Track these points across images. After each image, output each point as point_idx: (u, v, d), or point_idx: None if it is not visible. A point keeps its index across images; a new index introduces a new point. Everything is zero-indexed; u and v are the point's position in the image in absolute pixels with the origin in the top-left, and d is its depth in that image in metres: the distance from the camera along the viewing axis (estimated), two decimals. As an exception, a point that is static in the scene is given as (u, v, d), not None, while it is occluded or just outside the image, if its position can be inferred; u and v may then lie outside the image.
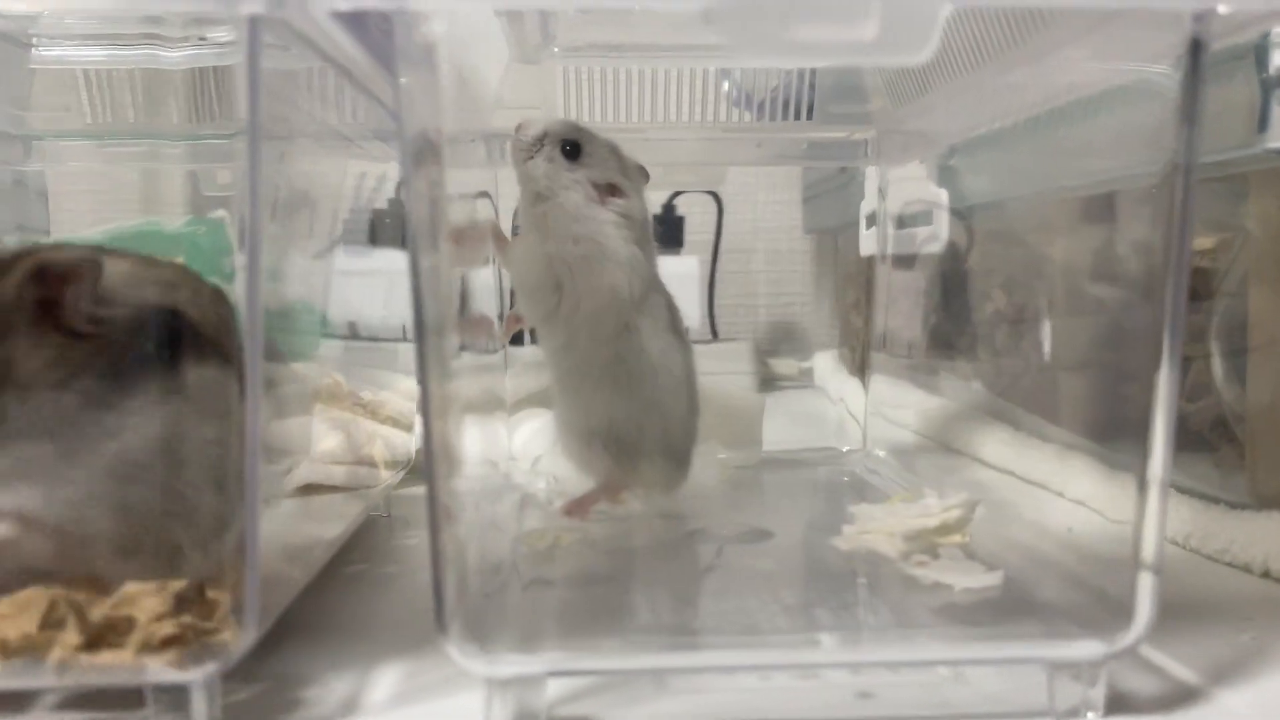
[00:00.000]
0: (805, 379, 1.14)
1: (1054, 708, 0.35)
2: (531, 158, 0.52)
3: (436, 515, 0.33)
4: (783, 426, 0.77)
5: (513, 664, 0.33)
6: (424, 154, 0.34)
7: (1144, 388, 0.35)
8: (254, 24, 0.31)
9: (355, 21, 0.31)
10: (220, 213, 0.93)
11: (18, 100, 0.65)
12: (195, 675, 0.33)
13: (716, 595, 0.42)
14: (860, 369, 0.77)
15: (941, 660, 0.37)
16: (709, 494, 0.61)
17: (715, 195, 1.21)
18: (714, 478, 0.65)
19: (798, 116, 0.69)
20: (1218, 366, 0.63)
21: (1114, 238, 0.50)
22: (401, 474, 0.71)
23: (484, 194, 0.57)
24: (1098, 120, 0.46)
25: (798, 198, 1.31)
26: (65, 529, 0.35)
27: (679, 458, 0.55)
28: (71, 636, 0.33)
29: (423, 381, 0.33)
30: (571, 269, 0.52)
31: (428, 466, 0.33)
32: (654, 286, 0.56)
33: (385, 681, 0.39)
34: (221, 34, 0.56)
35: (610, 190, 0.53)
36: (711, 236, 1.23)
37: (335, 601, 0.48)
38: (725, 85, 0.69)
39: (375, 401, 0.67)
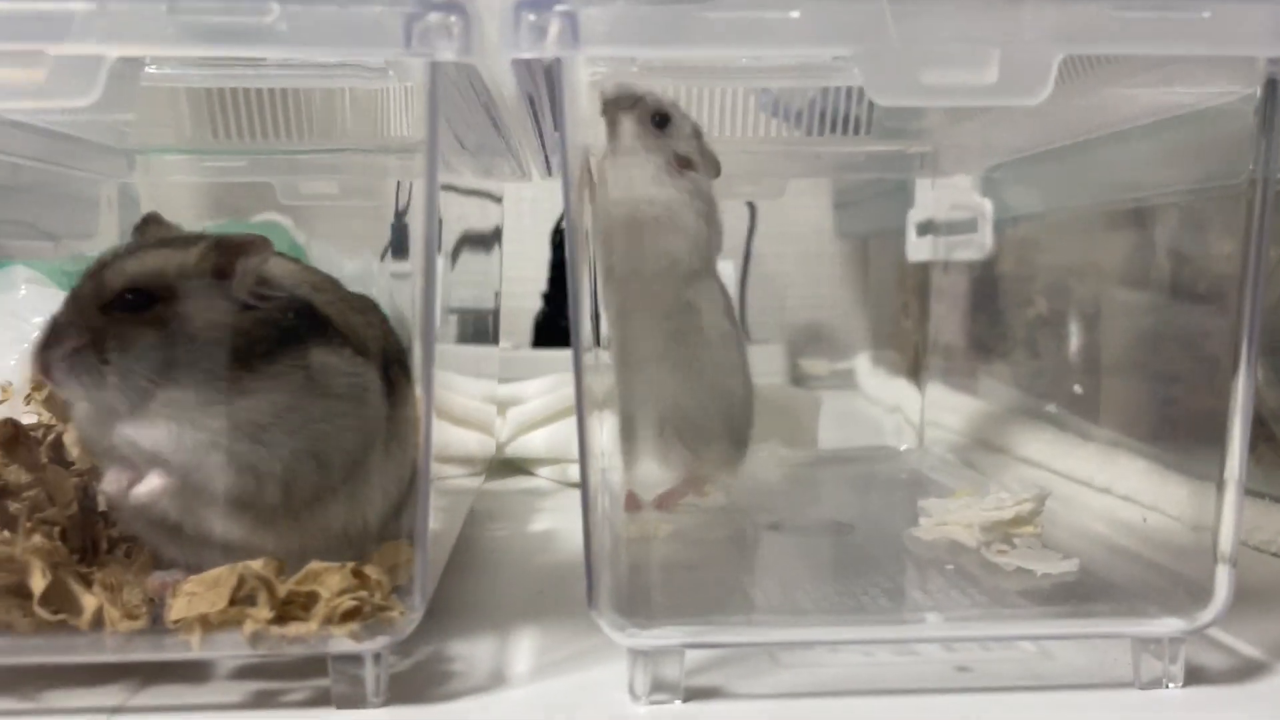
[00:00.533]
0: (835, 379, 1.18)
1: (1138, 679, 0.39)
2: (622, 118, 0.55)
3: (588, 499, 0.37)
4: (823, 425, 0.80)
5: (656, 636, 0.37)
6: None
7: (1219, 392, 0.39)
8: (436, 68, 0.35)
9: (525, 65, 0.35)
10: (278, 218, 0.97)
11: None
12: (371, 647, 0.37)
13: (819, 580, 0.46)
14: (914, 371, 0.81)
15: (1038, 635, 0.41)
16: (776, 489, 0.65)
17: (750, 203, 1.24)
18: (777, 474, 0.69)
19: (856, 131, 0.73)
20: (1258, 370, 0.67)
21: (1174, 248, 0.54)
22: (483, 474, 0.75)
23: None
24: (1165, 136, 0.50)
25: (828, 204, 1.35)
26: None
27: (741, 439, 0.59)
28: (263, 611, 0.37)
29: (578, 379, 0.37)
30: (641, 229, 0.55)
31: (582, 456, 0.37)
32: (713, 271, 0.59)
33: (524, 655, 0.43)
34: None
35: (686, 164, 0.57)
36: (743, 242, 1.27)
37: (460, 586, 0.51)
38: (759, 97, 0.73)
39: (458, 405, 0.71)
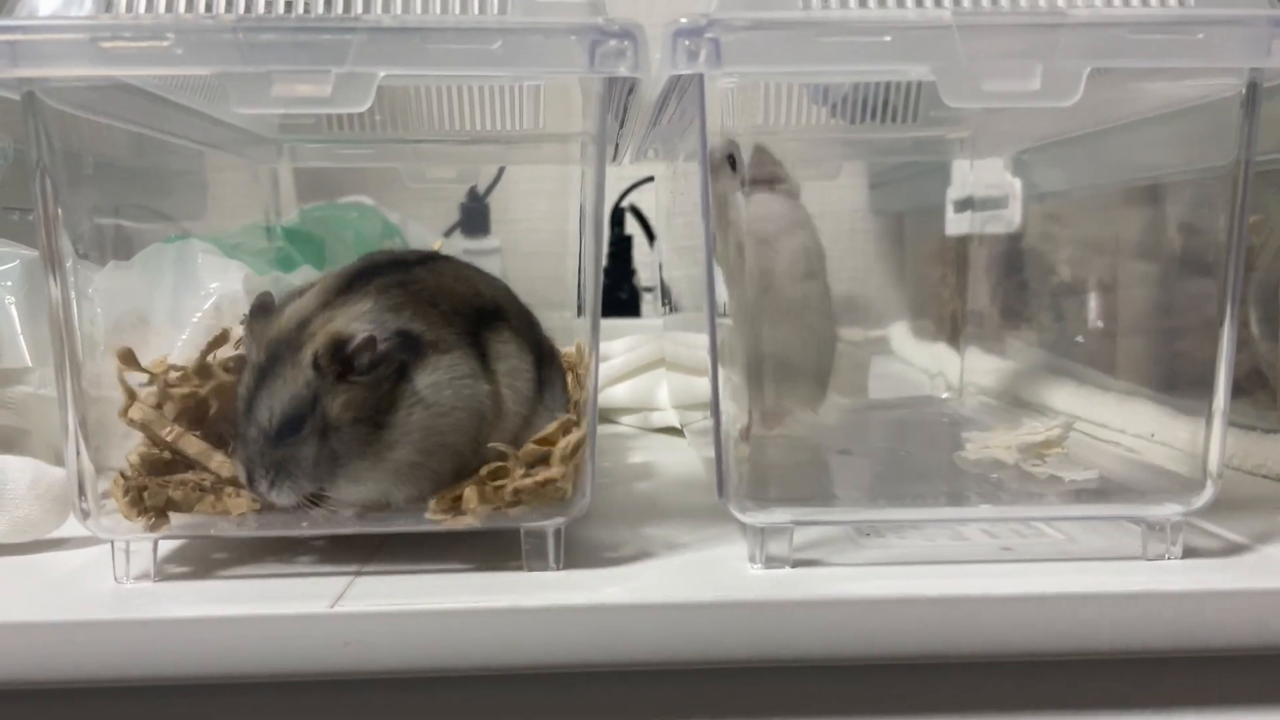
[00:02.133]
0: (870, 346, 1.29)
1: (1145, 553, 0.50)
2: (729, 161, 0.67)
3: (719, 419, 0.49)
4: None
5: (773, 516, 0.48)
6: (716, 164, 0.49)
7: (1209, 342, 0.50)
8: (610, 83, 0.46)
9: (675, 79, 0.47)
10: (364, 198, 1.08)
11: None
12: (554, 523, 0.49)
13: (890, 482, 0.57)
14: (953, 335, 0.92)
15: (1069, 517, 0.52)
16: (837, 428, 0.76)
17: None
18: (835, 417, 0.80)
19: (903, 119, 0.84)
20: (1254, 326, 0.77)
21: (1179, 220, 0.64)
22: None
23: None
24: (1169, 126, 0.60)
25: (864, 185, 1.45)
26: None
27: (824, 382, 0.71)
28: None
29: (711, 337, 0.49)
30: (768, 240, 0.67)
31: (714, 389, 0.49)
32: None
33: (656, 540, 0.54)
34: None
35: (773, 180, 0.68)
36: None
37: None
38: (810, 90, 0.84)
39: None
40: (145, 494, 0.48)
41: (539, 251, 1.16)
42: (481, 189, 1.24)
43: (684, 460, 0.75)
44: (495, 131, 0.78)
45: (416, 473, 0.49)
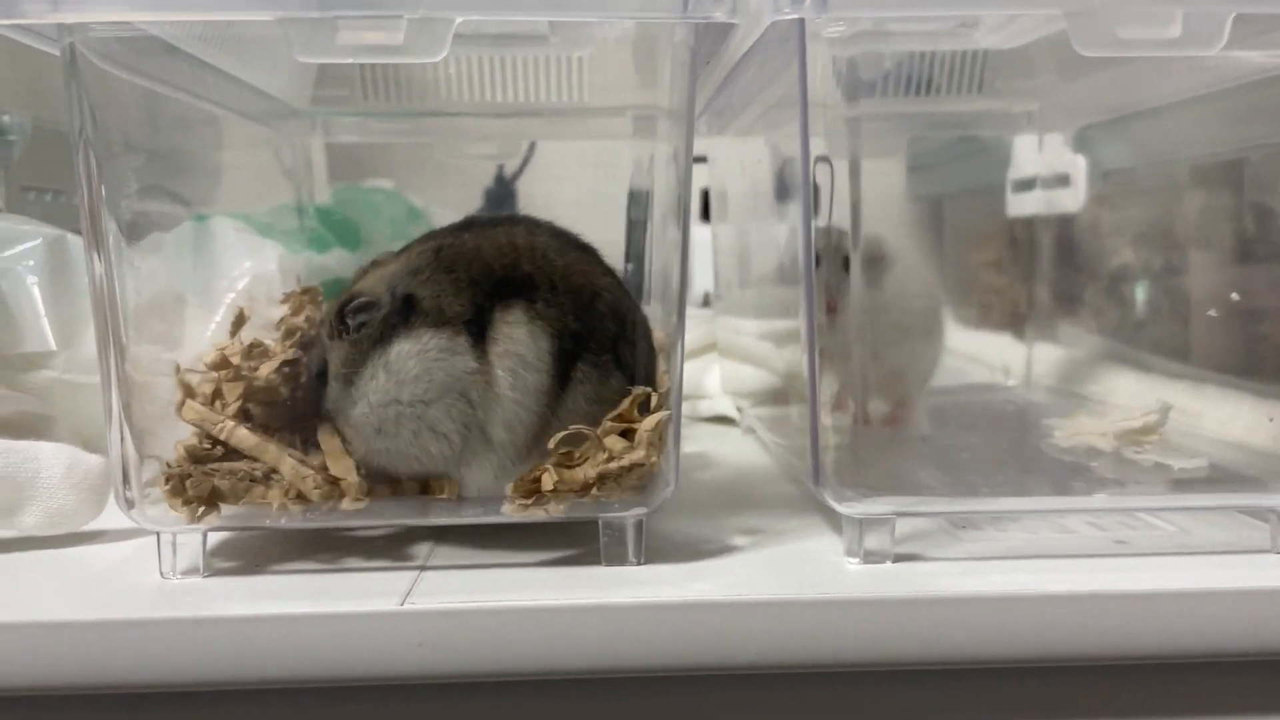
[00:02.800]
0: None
1: (1275, 546, 0.46)
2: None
3: (815, 405, 0.45)
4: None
5: (875, 505, 0.45)
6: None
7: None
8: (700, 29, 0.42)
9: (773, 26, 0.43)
10: (385, 182, 1.04)
11: (306, 82, 0.77)
12: (635, 514, 0.45)
13: (989, 473, 0.53)
14: (1013, 321, 0.87)
15: (1200, 506, 0.48)
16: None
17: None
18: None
19: (962, 91, 0.80)
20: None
21: (1260, 200, 0.61)
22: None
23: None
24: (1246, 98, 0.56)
25: (899, 167, 1.41)
26: None
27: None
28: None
29: (809, 315, 0.45)
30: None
31: (811, 370, 0.45)
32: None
33: (738, 533, 0.50)
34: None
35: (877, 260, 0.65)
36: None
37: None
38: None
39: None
40: (189, 483, 0.44)
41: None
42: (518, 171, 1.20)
43: (742, 450, 0.71)
44: (536, 105, 0.74)
45: (383, 440, 0.47)
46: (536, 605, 0.41)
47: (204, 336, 0.61)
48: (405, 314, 0.47)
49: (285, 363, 0.51)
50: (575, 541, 0.48)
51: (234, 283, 0.67)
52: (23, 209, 0.82)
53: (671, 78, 0.44)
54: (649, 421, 0.45)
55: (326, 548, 0.48)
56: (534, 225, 0.51)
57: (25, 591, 0.44)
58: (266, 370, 0.50)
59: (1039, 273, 0.85)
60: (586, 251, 0.52)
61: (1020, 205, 0.87)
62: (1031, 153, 0.85)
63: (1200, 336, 0.74)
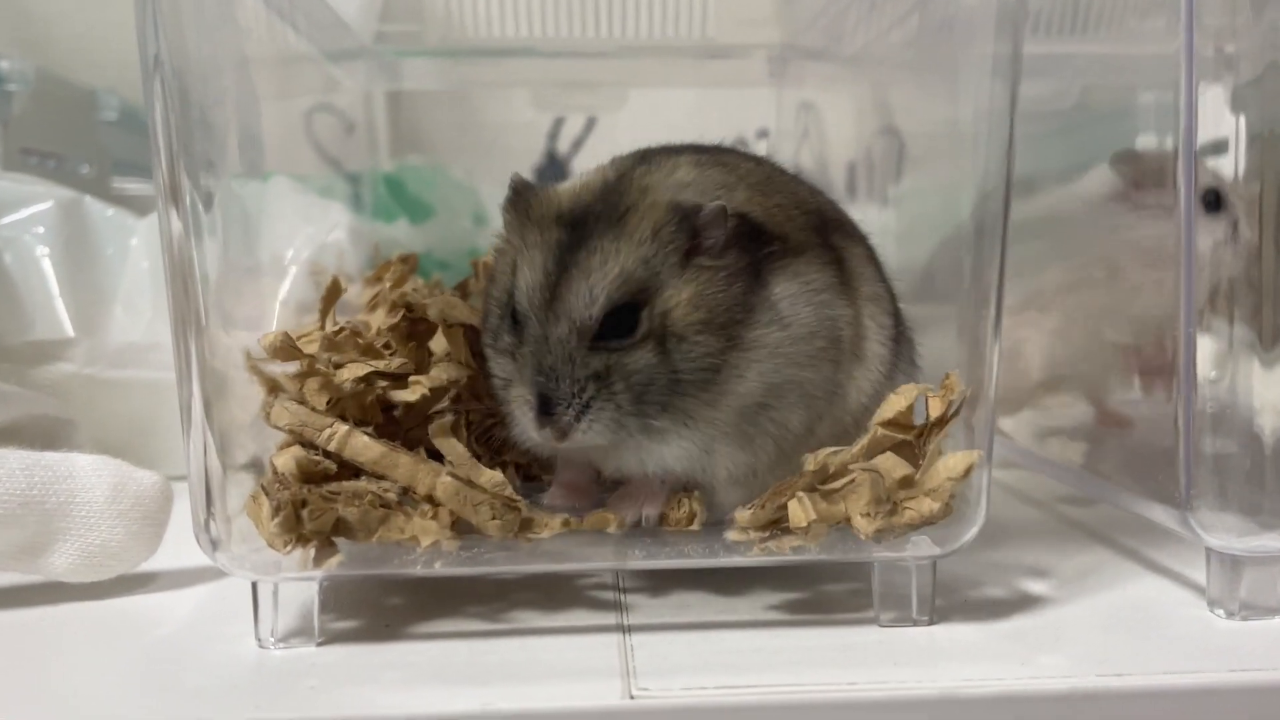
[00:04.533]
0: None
1: None
2: None
3: (1190, 388, 0.32)
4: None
5: (1268, 539, 0.32)
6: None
7: None
8: None
9: None
10: (415, 158, 0.91)
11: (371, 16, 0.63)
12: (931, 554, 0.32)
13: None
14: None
15: None
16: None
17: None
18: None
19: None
20: None
21: None
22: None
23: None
24: None
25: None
26: None
27: None
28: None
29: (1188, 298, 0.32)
30: None
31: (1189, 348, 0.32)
32: None
33: (1035, 574, 0.37)
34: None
35: None
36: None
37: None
38: None
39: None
40: (306, 512, 0.31)
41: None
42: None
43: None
44: (644, 42, 0.60)
45: (754, 429, 0.33)
46: (817, 699, 0.28)
47: (269, 317, 0.48)
48: (763, 241, 0.33)
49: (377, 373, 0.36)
50: (812, 580, 0.35)
51: (298, 252, 0.54)
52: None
53: None
54: (954, 465, 0.31)
55: (464, 596, 0.35)
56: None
57: (57, 671, 0.30)
58: (353, 374, 0.35)
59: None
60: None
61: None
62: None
63: None
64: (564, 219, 0.33)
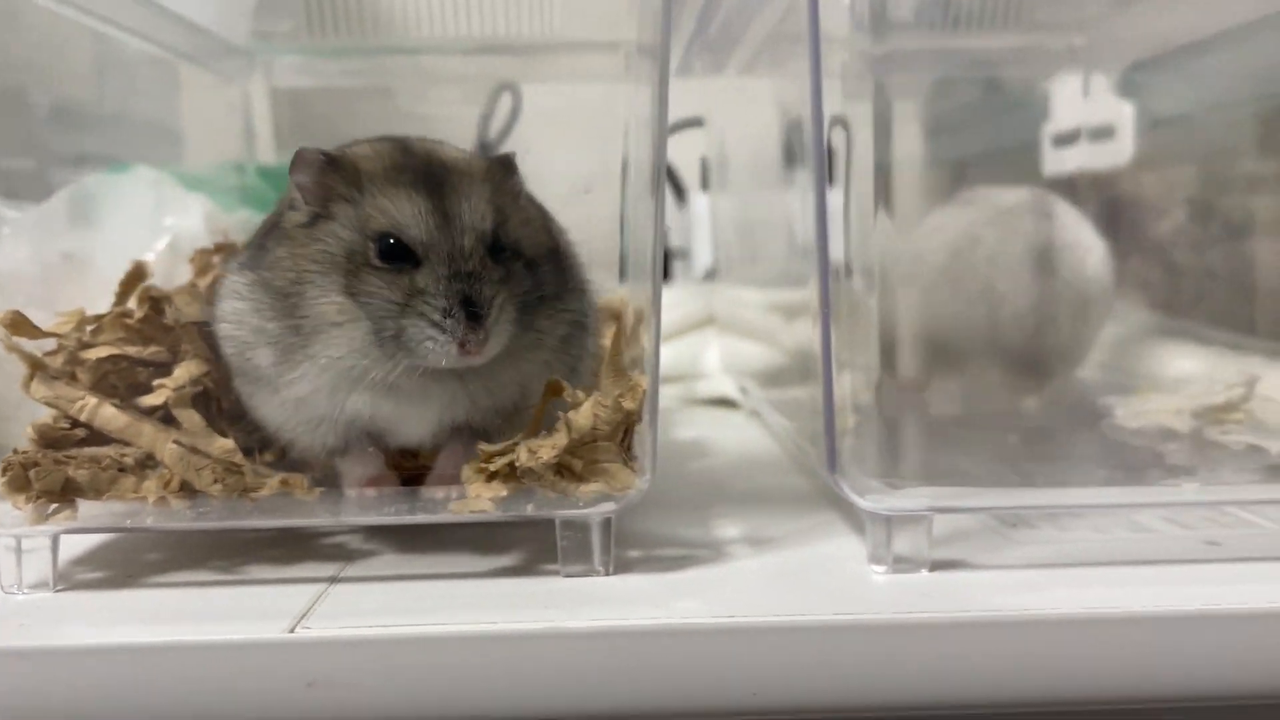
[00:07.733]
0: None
1: None
2: None
3: (830, 379, 0.35)
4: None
5: (907, 499, 0.35)
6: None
7: None
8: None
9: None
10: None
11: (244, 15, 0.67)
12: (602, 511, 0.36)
13: (1045, 460, 0.44)
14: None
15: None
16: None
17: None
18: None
19: (993, 25, 0.69)
20: None
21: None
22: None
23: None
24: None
25: (916, 130, 1.31)
26: None
27: None
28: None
29: (825, 287, 0.35)
30: None
31: (826, 343, 0.35)
32: None
33: (737, 533, 0.41)
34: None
35: None
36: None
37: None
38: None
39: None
40: (34, 473, 0.35)
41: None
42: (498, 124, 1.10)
43: (745, 436, 0.61)
44: (511, 40, 0.64)
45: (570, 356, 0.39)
46: (464, 632, 0.31)
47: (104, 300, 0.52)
48: None
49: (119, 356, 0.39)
50: (526, 543, 0.39)
51: (155, 241, 0.58)
52: None
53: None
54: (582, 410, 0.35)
55: (228, 553, 0.39)
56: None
57: None
58: (99, 353, 0.39)
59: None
60: None
61: (1061, 164, 0.77)
62: (1070, 102, 0.75)
63: (1272, 305, 0.65)
64: (401, 169, 0.37)
